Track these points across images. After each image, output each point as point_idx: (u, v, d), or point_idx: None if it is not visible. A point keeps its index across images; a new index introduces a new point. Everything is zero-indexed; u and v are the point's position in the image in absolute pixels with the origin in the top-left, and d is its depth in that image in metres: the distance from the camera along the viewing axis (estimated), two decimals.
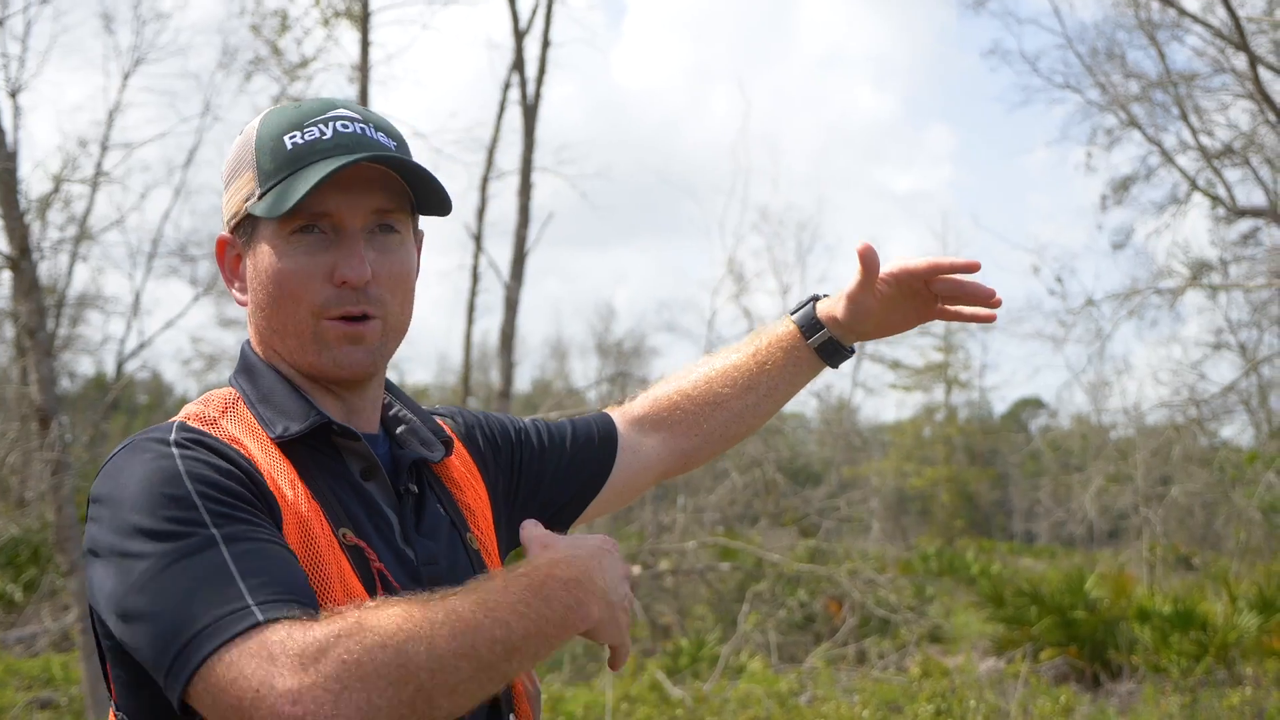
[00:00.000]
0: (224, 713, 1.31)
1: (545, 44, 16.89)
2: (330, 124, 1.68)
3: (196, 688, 1.33)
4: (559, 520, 2.07)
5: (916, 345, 42.38)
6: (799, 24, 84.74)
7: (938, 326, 35.36)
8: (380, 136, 1.70)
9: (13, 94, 18.92)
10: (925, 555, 26.52)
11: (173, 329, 42.02)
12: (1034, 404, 51.78)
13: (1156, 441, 21.88)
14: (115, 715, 1.55)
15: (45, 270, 24.92)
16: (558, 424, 2.15)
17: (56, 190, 19.43)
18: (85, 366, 34.30)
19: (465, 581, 1.79)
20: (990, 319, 2.09)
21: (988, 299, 2.03)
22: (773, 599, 14.50)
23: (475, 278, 17.36)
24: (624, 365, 41.54)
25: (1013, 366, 61.43)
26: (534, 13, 16.69)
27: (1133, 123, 20.13)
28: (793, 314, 2.20)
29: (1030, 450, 36.35)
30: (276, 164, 1.66)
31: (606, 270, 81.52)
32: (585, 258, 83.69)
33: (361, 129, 1.69)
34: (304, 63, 15.28)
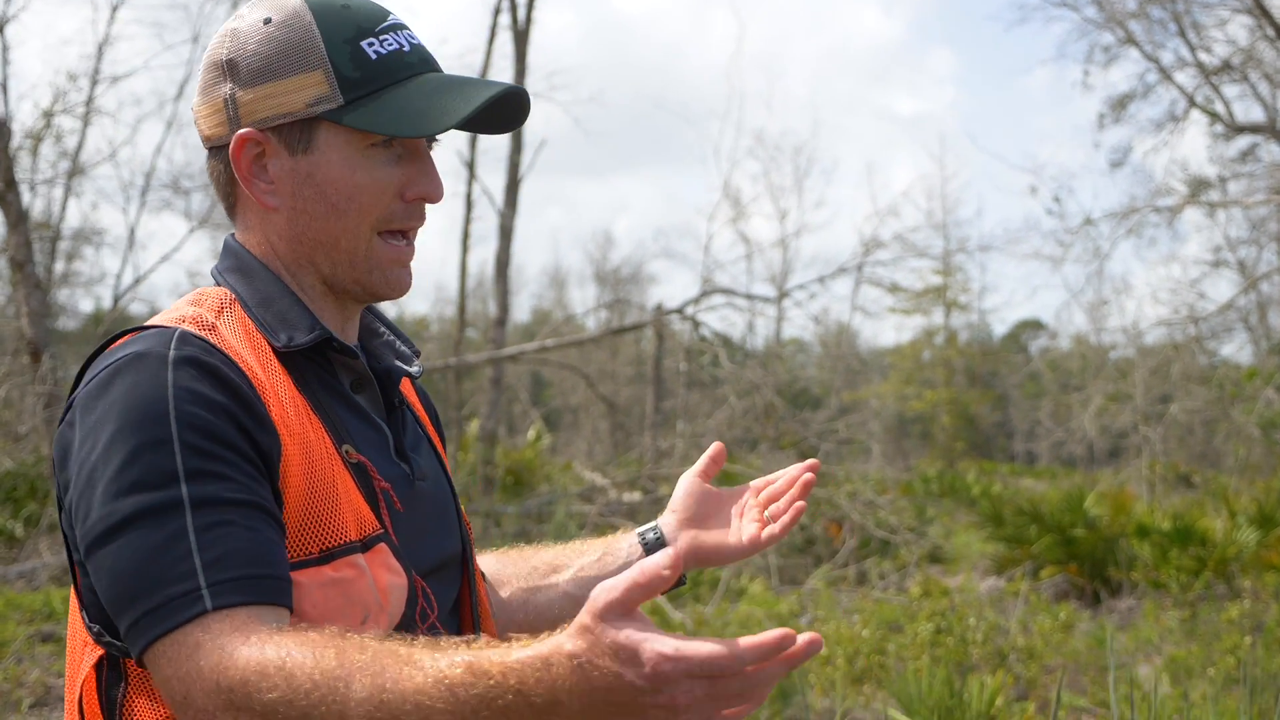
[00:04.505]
0: (164, 696, 1.39)
1: None
2: (400, 33, 1.65)
3: (145, 664, 1.39)
4: None
5: (915, 268, 42.28)
6: None
7: (936, 248, 35.24)
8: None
9: (0, 28, 18.71)
10: (926, 477, 26.58)
11: (168, 263, 41.89)
12: (1034, 325, 51.81)
13: (1156, 360, 21.90)
14: (86, 626, 1.50)
15: (39, 206, 24.83)
16: None
17: (48, 125, 19.26)
18: (84, 303, 34.28)
19: (448, 500, 1.80)
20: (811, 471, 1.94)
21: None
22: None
23: (469, 205, 17.29)
24: (622, 292, 41.53)
25: (1011, 288, 61.38)
26: None
27: (1130, 40, 19.95)
28: (640, 533, 2.01)
29: (1029, 371, 36.41)
30: (363, 73, 1.60)
31: (607, 199, 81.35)
32: (586, 186, 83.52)
33: (421, 43, 1.68)
34: None
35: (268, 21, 1.62)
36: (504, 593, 2.00)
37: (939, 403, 41.63)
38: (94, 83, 20.91)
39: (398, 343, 1.83)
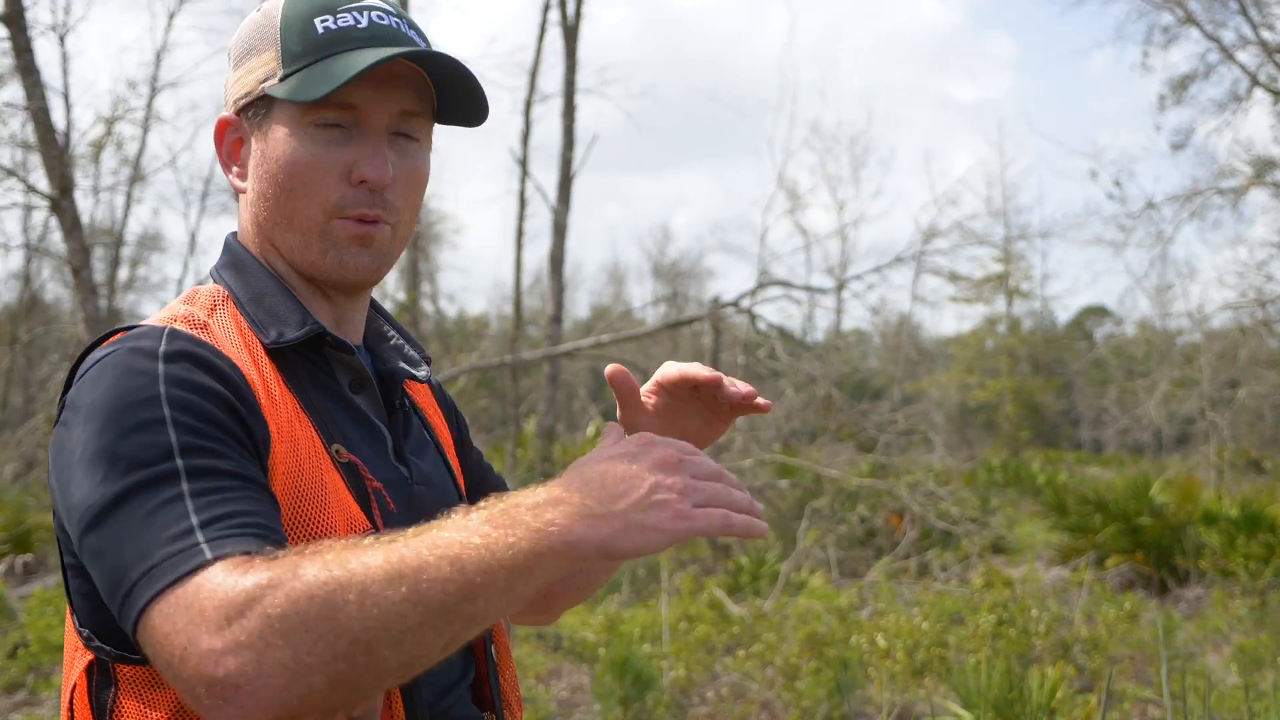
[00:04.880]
0: (161, 666, 1.25)
1: None
2: (365, 13, 1.60)
3: (140, 636, 1.26)
4: None
5: (975, 256, 41.94)
6: None
7: (996, 235, 34.93)
8: (413, 34, 1.63)
9: (60, 37, 18.97)
10: (990, 467, 26.34)
11: None
12: (1098, 311, 51.27)
13: (1222, 344, 21.58)
14: (77, 631, 1.48)
15: (103, 213, 25.13)
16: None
17: (109, 132, 19.50)
18: (148, 309, 34.67)
19: (454, 505, 1.75)
20: (765, 408, 1.87)
21: (750, 399, 1.83)
22: (832, 515, 14.44)
23: (523, 203, 17.29)
24: (680, 286, 41.50)
25: (1074, 274, 60.80)
26: None
27: (1190, 19, 19.67)
28: None
29: (1094, 358, 35.98)
30: (305, 47, 1.57)
31: (664, 193, 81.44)
32: (643, 182, 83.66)
33: (396, 23, 1.62)
34: None
35: (258, 8, 1.65)
36: None
37: (1003, 391, 41.27)
38: (153, 90, 21.16)
39: (406, 346, 1.79)
